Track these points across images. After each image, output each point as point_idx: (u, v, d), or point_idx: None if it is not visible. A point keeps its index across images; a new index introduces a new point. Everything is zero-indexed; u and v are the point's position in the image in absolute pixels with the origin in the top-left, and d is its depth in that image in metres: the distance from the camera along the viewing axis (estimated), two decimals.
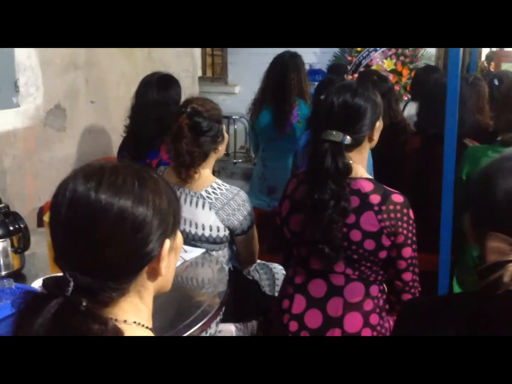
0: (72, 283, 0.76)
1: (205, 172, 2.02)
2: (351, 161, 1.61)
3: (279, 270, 2.23)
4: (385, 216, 1.59)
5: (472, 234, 0.95)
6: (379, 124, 1.69)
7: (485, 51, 7.89)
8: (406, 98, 5.42)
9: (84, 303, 0.76)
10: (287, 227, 1.74)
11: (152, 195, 0.82)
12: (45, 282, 0.78)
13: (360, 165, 1.67)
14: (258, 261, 2.24)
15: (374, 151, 2.42)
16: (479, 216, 0.94)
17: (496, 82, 3.49)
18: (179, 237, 0.91)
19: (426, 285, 1.90)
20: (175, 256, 0.90)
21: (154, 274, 0.85)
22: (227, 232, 2.00)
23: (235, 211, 1.98)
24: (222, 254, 2.04)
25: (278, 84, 3.21)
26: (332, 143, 1.58)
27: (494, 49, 7.87)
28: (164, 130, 2.07)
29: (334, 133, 1.58)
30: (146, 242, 0.80)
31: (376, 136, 1.69)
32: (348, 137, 1.59)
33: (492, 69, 5.88)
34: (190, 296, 1.68)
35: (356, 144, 1.63)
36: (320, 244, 1.61)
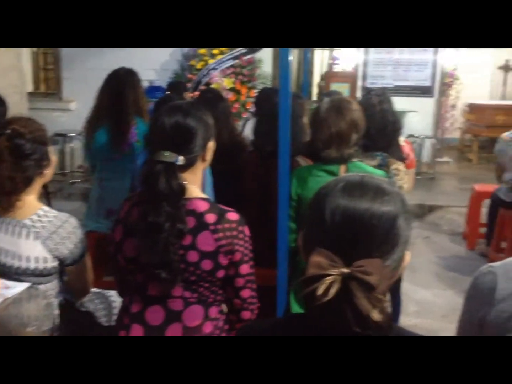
0: None
1: (30, 199, 1.86)
2: (185, 182, 1.59)
3: (116, 298, 2.11)
4: (221, 235, 1.58)
5: (303, 250, 0.97)
6: (211, 144, 1.69)
7: (317, 72, 8.49)
8: (245, 116, 5.59)
9: None
10: (121, 253, 1.65)
11: None
12: None
13: (195, 185, 1.66)
14: (94, 289, 2.11)
15: (213, 170, 2.43)
16: (309, 234, 0.97)
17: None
18: None
19: (266, 300, 1.94)
20: None
21: None
22: (56, 263, 1.84)
23: (65, 239, 1.84)
24: (51, 287, 1.87)
25: (114, 102, 3.10)
26: (165, 164, 1.55)
27: (325, 69, 8.48)
28: None
29: (166, 153, 1.56)
30: None
31: (209, 156, 1.70)
32: (181, 157, 1.57)
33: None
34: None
35: (189, 164, 1.61)
36: (157, 269, 1.55)
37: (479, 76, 8.97)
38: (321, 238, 0.91)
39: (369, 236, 0.89)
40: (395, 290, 2.93)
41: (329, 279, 0.84)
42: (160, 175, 1.54)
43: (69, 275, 1.92)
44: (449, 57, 7.58)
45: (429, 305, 3.72)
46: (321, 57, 8.81)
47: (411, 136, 6.37)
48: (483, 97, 8.92)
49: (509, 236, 4.03)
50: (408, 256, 0.96)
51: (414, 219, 5.18)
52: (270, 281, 2.23)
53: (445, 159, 7.76)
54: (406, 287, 3.50)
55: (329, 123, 2.25)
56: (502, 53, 9.15)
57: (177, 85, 4.68)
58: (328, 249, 0.88)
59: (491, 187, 4.50)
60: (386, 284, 0.89)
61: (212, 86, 5.54)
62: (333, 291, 0.83)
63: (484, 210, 4.64)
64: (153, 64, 6.11)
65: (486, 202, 4.52)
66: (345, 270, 0.85)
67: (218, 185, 2.60)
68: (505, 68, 9.05)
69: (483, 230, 4.64)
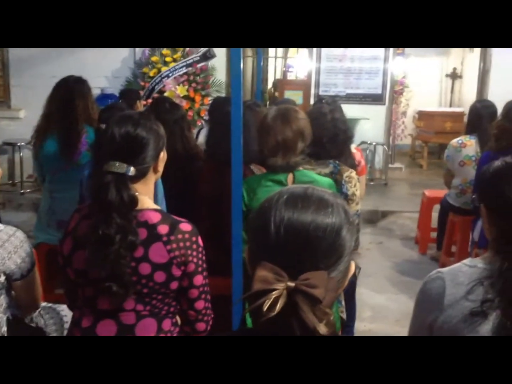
0: None
1: None
2: (136, 193, 1.56)
3: (68, 312, 2.05)
4: (174, 246, 1.57)
5: (249, 264, 0.97)
6: (163, 155, 1.68)
7: (271, 80, 8.56)
8: (200, 124, 5.57)
9: None
10: (70, 266, 1.61)
11: None
12: None
13: (147, 196, 1.64)
14: (44, 304, 2.04)
15: (168, 179, 2.40)
16: (254, 247, 0.96)
17: None
18: None
19: (222, 309, 1.92)
20: None
21: None
22: (2, 278, 1.78)
23: (12, 253, 1.78)
24: None
25: (63, 111, 3.04)
26: (115, 174, 1.53)
27: (277, 77, 8.55)
28: None
29: (117, 164, 1.53)
30: None
31: (160, 167, 1.68)
32: (132, 168, 1.55)
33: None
34: None
35: (140, 175, 1.60)
36: (107, 282, 1.52)
37: (428, 83, 9.25)
38: (266, 251, 0.90)
39: (314, 249, 0.89)
40: (350, 295, 2.96)
41: (274, 293, 0.83)
42: (110, 186, 1.52)
43: (17, 290, 1.86)
44: (399, 65, 7.77)
45: (383, 310, 3.77)
46: (274, 66, 8.90)
47: (363, 143, 6.47)
48: (432, 104, 9.19)
49: (459, 240, 4.14)
50: (352, 267, 0.97)
51: (367, 224, 5.23)
52: (225, 290, 2.22)
53: (397, 165, 7.94)
54: (361, 292, 3.55)
55: (276, 131, 2.26)
56: (450, 61, 9.47)
57: (129, 92, 4.62)
58: (274, 262, 0.87)
59: (441, 192, 4.62)
60: (332, 296, 0.89)
61: (166, 93, 5.49)
62: (279, 305, 0.82)
63: (434, 215, 4.75)
64: (105, 71, 6.02)
65: (437, 207, 4.64)
66: (291, 284, 0.84)
67: (171, 194, 2.57)
68: (453, 75, 9.35)
69: (434, 234, 4.75)
